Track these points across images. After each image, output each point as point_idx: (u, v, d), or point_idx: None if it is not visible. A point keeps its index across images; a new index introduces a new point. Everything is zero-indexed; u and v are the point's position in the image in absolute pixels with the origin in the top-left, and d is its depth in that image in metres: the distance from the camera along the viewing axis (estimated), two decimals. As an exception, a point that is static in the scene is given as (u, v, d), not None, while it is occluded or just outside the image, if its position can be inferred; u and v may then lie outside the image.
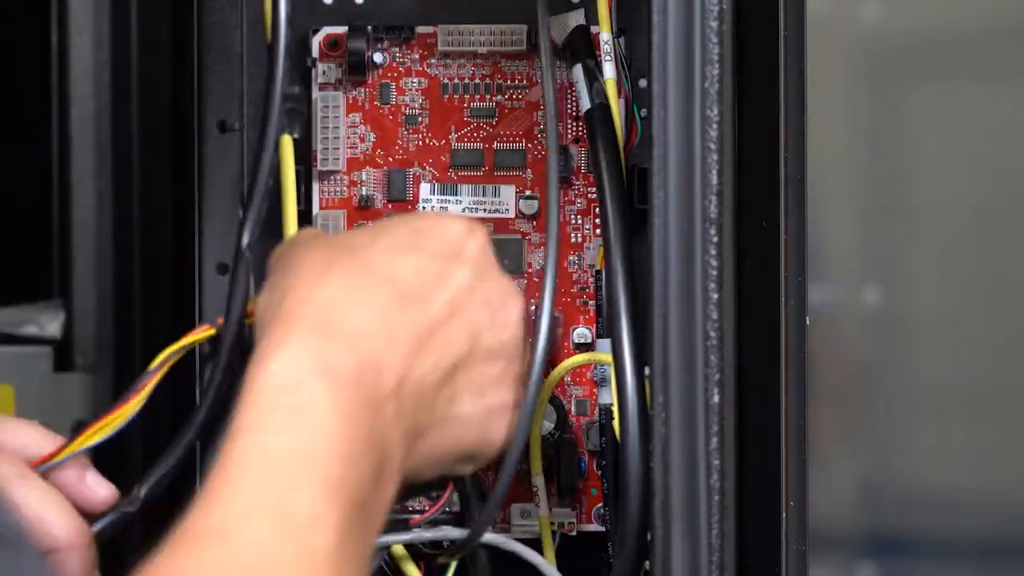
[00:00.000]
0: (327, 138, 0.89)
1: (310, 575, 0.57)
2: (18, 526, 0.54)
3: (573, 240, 0.90)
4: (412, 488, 0.69)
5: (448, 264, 0.71)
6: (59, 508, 0.67)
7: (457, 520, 0.80)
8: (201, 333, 0.72)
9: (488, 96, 0.90)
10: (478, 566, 0.79)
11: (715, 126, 0.70)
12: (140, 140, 0.75)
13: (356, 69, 0.89)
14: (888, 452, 0.86)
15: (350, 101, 0.90)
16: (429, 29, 0.89)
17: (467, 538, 0.75)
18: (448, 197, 0.90)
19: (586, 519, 0.90)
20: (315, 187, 0.89)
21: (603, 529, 0.89)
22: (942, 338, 0.87)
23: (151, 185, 0.77)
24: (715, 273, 0.70)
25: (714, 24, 0.70)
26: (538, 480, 0.87)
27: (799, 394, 0.74)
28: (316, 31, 0.89)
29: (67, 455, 0.68)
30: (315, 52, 0.89)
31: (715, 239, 0.70)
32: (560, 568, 0.86)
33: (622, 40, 0.87)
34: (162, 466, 0.71)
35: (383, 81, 0.90)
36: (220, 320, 0.73)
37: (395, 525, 0.76)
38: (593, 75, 0.84)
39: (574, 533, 0.89)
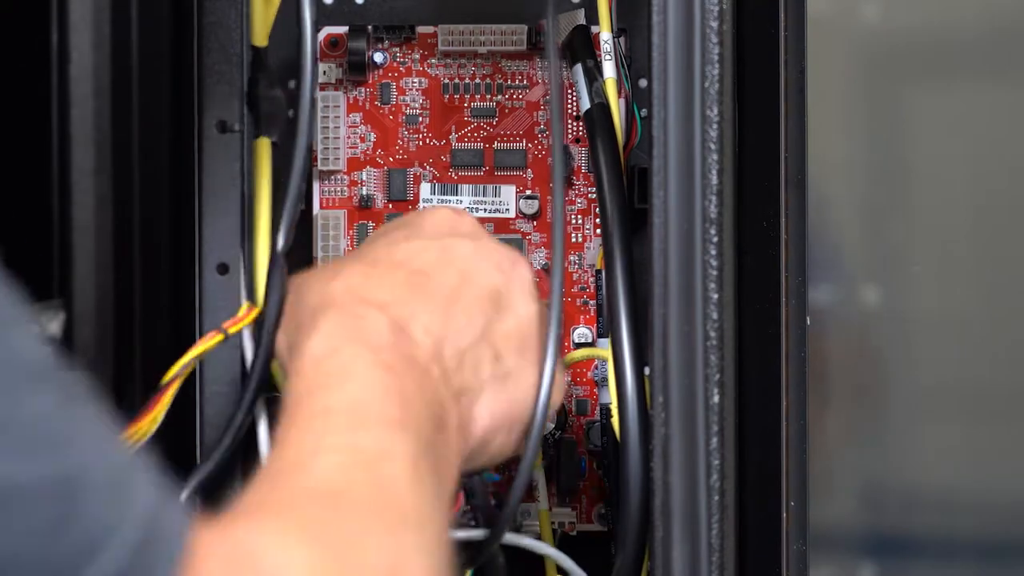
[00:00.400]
0: (327, 138, 0.89)
1: (383, 499, 0.58)
2: None
3: (573, 240, 0.90)
4: None
5: (448, 240, 0.72)
6: None
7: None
8: (210, 341, 0.72)
9: (488, 96, 0.90)
10: (496, 566, 0.78)
11: (715, 126, 0.70)
12: (140, 140, 0.75)
13: (356, 69, 0.89)
14: (888, 452, 0.86)
15: (350, 101, 0.90)
16: (429, 29, 0.89)
17: (489, 537, 0.74)
18: (448, 197, 0.90)
19: (586, 519, 0.90)
20: (315, 187, 0.89)
21: (603, 529, 0.89)
22: (942, 338, 0.87)
23: (151, 185, 0.77)
24: (715, 273, 0.70)
25: (714, 24, 0.70)
26: (538, 475, 0.87)
27: (799, 394, 0.74)
28: (316, 31, 0.89)
29: None
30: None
31: (715, 239, 0.70)
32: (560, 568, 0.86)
33: (622, 40, 0.88)
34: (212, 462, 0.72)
35: (383, 81, 0.90)
36: (226, 325, 0.73)
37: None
38: (593, 75, 0.84)
39: (574, 533, 0.89)
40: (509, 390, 0.71)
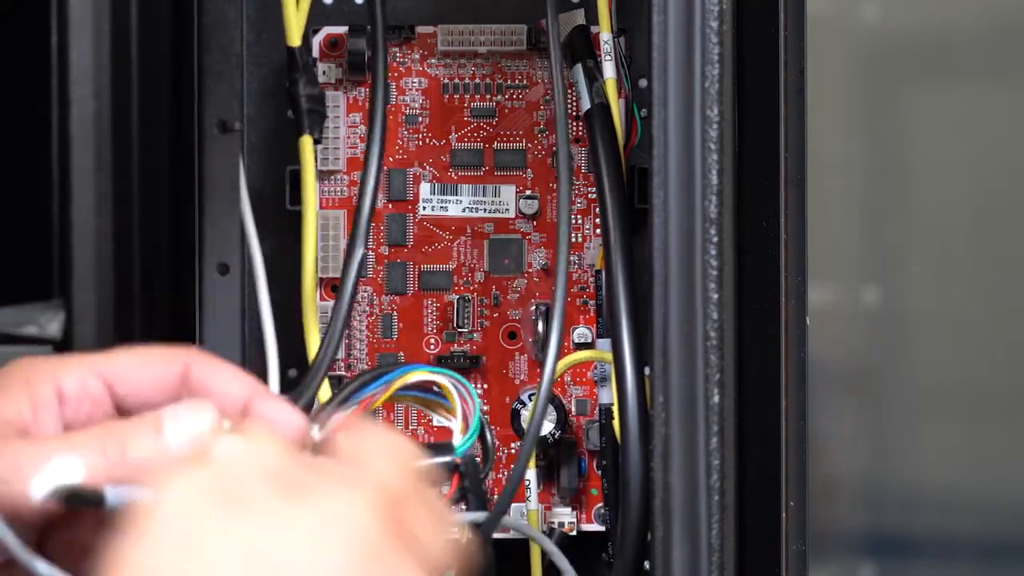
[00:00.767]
0: (327, 138, 0.89)
1: None
2: None
3: (573, 240, 0.90)
4: None
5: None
6: None
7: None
8: None
9: (488, 96, 0.90)
10: (485, 558, 0.77)
11: (715, 126, 0.70)
12: (140, 140, 0.75)
13: (356, 69, 0.89)
14: (888, 452, 0.86)
15: (350, 101, 0.90)
16: (429, 29, 0.89)
17: (488, 521, 0.72)
18: (448, 197, 0.90)
19: (586, 519, 0.90)
20: (315, 187, 0.89)
21: (603, 529, 0.89)
22: (942, 338, 0.87)
23: (151, 185, 0.77)
24: (715, 273, 0.70)
25: (714, 24, 0.70)
26: (530, 475, 0.87)
27: (799, 394, 0.74)
28: (316, 31, 0.89)
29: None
30: (315, 52, 0.89)
31: (715, 239, 0.70)
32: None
33: (622, 40, 0.87)
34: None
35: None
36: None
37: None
38: (593, 75, 0.84)
39: (574, 533, 0.89)
40: None
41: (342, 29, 0.89)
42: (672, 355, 0.70)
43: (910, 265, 0.87)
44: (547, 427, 0.88)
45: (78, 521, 0.60)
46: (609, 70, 0.84)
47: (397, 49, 0.90)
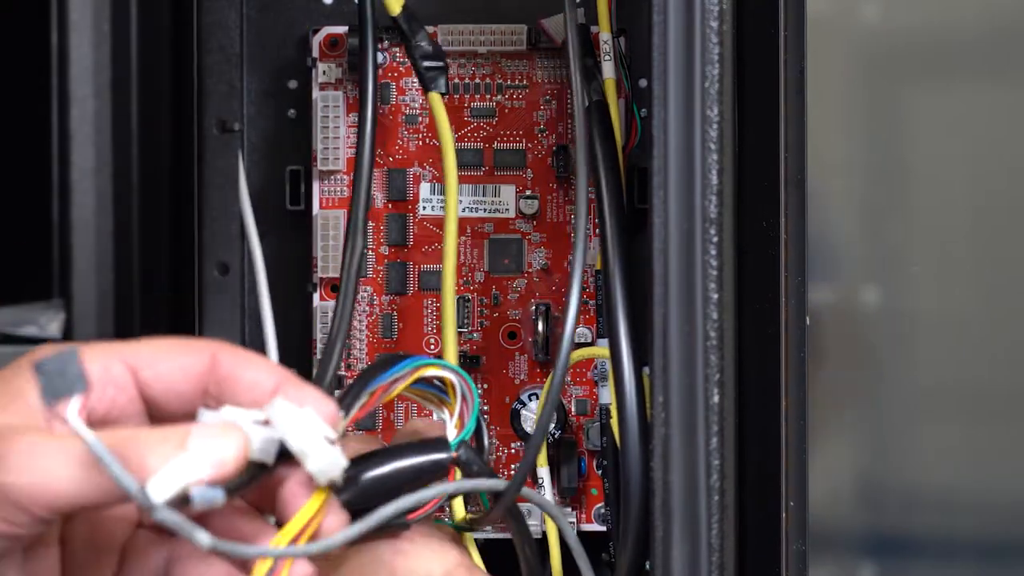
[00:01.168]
0: (327, 138, 0.89)
1: None
2: None
3: (573, 240, 0.90)
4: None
5: None
6: None
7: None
8: None
9: (488, 96, 0.90)
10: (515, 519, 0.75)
11: (715, 126, 0.70)
12: (140, 140, 0.75)
13: (356, 69, 0.89)
14: (888, 452, 0.86)
15: (350, 101, 0.89)
16: (429, 29, 0.89)
17: (506, 490, 0.70)
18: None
19: (586, 519, 0.90)
20: (315, 187, 0.89)
21: (603, 529, 0.89)
22: (942, 338, 0.87)
23: (151, 185, 0.77)
24: (715, 273, 0.70)
25: (714, 24, 0.70)
26: (543, 472, 0.87)
27: (799, 394, 0.74)
28: (316, 31, 0.89)
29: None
30: (315, 52, 0.89)
31: (715, 239, 0.70)
32: (561, 568, 0.86)
33: (622, 40, 0.87)
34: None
35: (383, 81, 0.90)
36: None
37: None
38: (591, 74, 0.84)
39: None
40: None
41: (342, 29, 0.89)
42: (672, 355, 0.70)
43: (910, 265, 0.86)
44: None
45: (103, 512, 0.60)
46: (609, 70, 0.84)
47: (397, 49, 0.90)
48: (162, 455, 0.57)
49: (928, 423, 0.86)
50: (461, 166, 0.90)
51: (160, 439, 0.58)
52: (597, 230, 0.83)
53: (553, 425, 0.88)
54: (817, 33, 0.75)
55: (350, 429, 0.68)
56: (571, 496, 0.89)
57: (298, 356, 0.90)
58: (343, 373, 0.90)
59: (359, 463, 0.66)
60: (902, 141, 0.88)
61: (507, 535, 0.85)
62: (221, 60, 0.85)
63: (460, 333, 0.90)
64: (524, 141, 0.90)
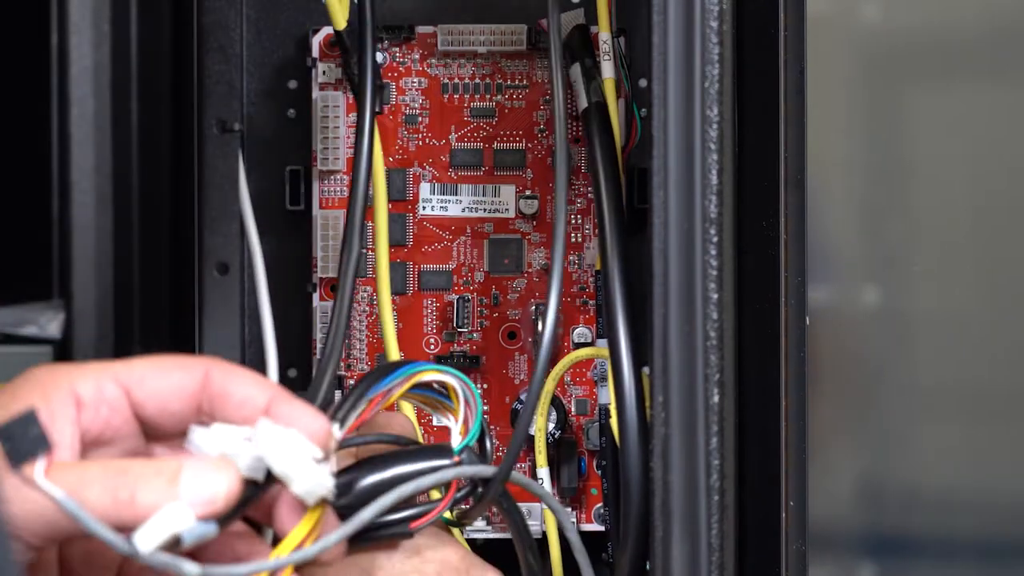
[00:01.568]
0: (327, 138, 0.89)
1: None
2: None
3: (573, 240, 0.90)
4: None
5: None
6: None
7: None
8: None
9: (488, 96, 0.90)
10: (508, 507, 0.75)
11: (715, 126, 0.70)
12: (140, 140, 0.75)
13: (349, 68, 0.89)
14: (888, 452, 0.86)
15: (350, 101, 0.89)
16: (429, 29, 0.89)
17: (496, 476, 0.70)
18: (448, 197, 0.90)
19: (586, 519, 0.90)
20: (315, 187, 0.89)
21: (603, 529, 0.89)
22: (942, 338, 0.87)
23: (151, 185, 0.77)
24: (715, 273, 0.70)
25: (714, 24, 0.70)
26: (543, 472, 0.87)
27: (799, 394, 0.74)
28: (316, 31, 0.89)
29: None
30: (315, 52, 0.89)
31: (715, 239, 0.70)
32: (561, 569, 0.86)
33: (622, 40, 0.87)
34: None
35: (383, 81, 0.90)
36: None
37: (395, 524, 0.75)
38: (591, 74, 0.84)
39: (574, 533, 0.89)
40: None
41: (342, 29, 0.89)
42: (672, 355, 0.70)
43: (910, 265, 0.86)
44: (547, 427, 0.88)
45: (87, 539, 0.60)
46: (608, 70, 0.84)
47: (397, 49, 0.90)
48: (154, 490, 0.57)
49: (928, 423, 0.86)
50: (461, 166, 0.90)
51: (153, 472, 0.57)
52: (597, 230, 0.83)
53: (553, 425, 0.88)
54: (817, 33, 0.75)
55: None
56: (571, 496, 0.89)
57: (298, 356, 0.90)
58: (343, 373, 0.90)
59: (359, 468, 0.66)
60: (902, 141, 0.88)
61: (507, 535, 0.85)
62: (221, 60, 0.85)
63: (460, 333, 0.90)
64: (524, 141, 0.90)
